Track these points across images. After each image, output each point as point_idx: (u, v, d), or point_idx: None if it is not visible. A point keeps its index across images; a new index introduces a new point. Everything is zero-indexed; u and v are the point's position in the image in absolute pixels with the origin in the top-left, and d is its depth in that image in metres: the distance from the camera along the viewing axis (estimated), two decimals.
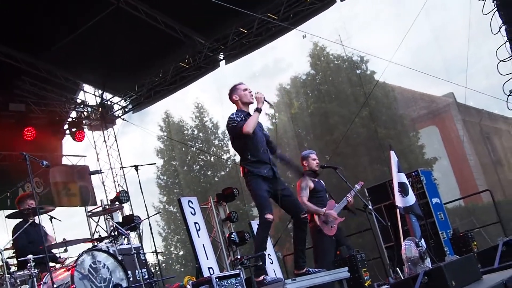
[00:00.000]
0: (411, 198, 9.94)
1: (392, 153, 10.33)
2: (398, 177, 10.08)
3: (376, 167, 27.53)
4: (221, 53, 16.10)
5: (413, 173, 11.80)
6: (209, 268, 12.15)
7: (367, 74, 31.26)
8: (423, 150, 31.10)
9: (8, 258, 8.66)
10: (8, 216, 9.17)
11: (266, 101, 7.90)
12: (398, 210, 9.87)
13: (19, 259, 8.69)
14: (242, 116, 7.74)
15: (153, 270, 12.79)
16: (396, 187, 9.98)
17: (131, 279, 8.55)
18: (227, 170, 35.47)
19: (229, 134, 7.94)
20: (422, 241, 8.85)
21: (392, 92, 32.63)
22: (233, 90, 8.01)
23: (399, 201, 9.87)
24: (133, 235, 12.71)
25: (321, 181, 9.83)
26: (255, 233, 13.02)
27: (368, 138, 28.74)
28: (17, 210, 9.08)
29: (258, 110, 7.73)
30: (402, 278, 8.36)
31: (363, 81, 29.50)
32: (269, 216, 7.43)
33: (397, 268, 8.98)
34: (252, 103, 7.93)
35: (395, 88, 33.62)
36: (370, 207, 9.61)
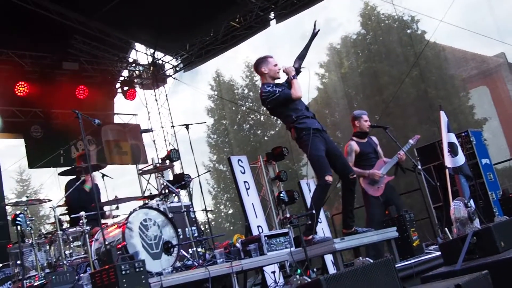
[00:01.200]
0: (461, 159, 9.80)
1: (442, 113, 10.17)
2: (448, 137, 9.94)
3: (425, 127, 27.28)
4: (272, 12, 15.96)
5: (463, 134, 11.54)
6: (258, 226, 12.23)
7: (418, 34, 30.87)
8: (473, 110, 30.71)
9: (61, 215, 8.84)
10: (61, 173, 9.32)
11: (298, 69, 7.97)
12: (447, 171, 9.76)
13: (71, 215, 8.87)
14: (274, 86, 7.77)
15: (202, 228, 12.94)
16: (445, 147, 9.85)
17: (181, 236, 8.66)
18: (277, 129, 35.50)
19: (268, 105, 7.87)
20: (471, 201, 8.74)
21: (442, 52, 32.19)
22: (262, 62, 7.97)
23: (448, 161, 9.75)
24: (183, 193, 12.86)
25: (372, 139, 9.76)
26: (304, 193, 13.20)
27: (417, 98, 28.47)
28: (70, 167, 9.24)
29: (294, 77, 7.79)
30: (451, 238, 8.31)
31: (413, 41, 29.15)
32: (329, 178, 7.41)
33: (446, 229, 8.90)
34: (279, 78, 7.94)
35: (446, 48, 33.13)
36: (419, 167, 9.56)
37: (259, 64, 7.98)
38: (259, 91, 8.02)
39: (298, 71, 7.98)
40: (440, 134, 10.17)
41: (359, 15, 32.56)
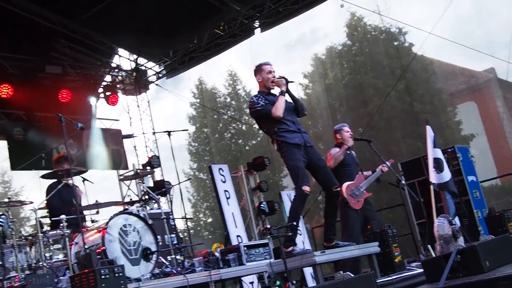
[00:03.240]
0: (446, 175, 9.80)
1: (428, 128, 10.17)
2: (434, 153, 9.94)
3: (410, 142, 27.37)
4: (257, 21, 15.98)
5: (449, 149, 11.52)
6: (237, 236, 12.23)
7: (405, 46, 30.94)
8: (460, 126, 30.78)
9: (41, 217, 8.78)
10: (43, 176, 9.28)
11: (288, 81, 7.93)
12: (432, 186, 9.78)
13: (52, 218, 8.82)
14: (263, 98, 7.80)
15: (181, 236, 12.89)
16: (431, 163, 9.84)
17: (160, 243, 8.61)
18: (258, 139, 35.52)
19: (253, 117, 8.01)
20: (456, 219, 8.79)
21: (430, 66, 32.26)
22: (257, 70, 8.03)
23: (433, 177, 9.75)
24: (163, 200, 12.82)
25: (353, 153, 9.79)
26: (284, 204, 13.20)
27: (403, 112, 28.53)
28: (52, 170, 9.20)
29: (282, 93, 7.79)
30: (434, 255, 8.32)
31: (400, 53, 29.20)
32: (306, 188, 7.41)
33: (429, 246, 8.92)
34: (272, 89, 7.95)
35: (434, 61, 33.22)
36: (403, 182, 9.56)
37: (255, 72, 8.04)
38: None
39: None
40: (425, 149, 10.18)
41: (345, 26, 32.66)
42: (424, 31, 15.18)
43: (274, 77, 7.91)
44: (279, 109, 7.66)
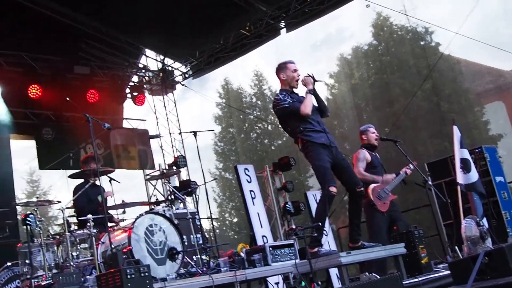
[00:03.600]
0: (474, 175, 9.74)
1: (455, 128, 10.11)
2: (461, 153, 9.88)
3: (436, 142, 27.13)
4: (282, 21, 15.95)
5: (477, 150, 11.39)
6: (263, 236, 12.23)
7: (432, 46, 30.66)
8: (488, 126, 30.40)
9: (69, 216, 8.86)
10: (71, 176, 9.37)
11: (316, 80, 7.91)
12: (459, 187, 9.71)
13: (79, 218, 8.89)
14: (288, 95, 7.78)
15: (207, 236, 12.93)
16: (458, 163, 9.79)
17: (186, 243, 8.65)
18: (284, 139, 35.43)
19: (278, 114, 7.93)
20: (484, 220, 8.71)
21: (457, 65, 31.92)
22: (281, 68, 7.99)
23: (460, 177, 9.69)
24: (189, 200, 12.85)
25: (378, 156, 9.76)
26: (310, 205, 13.18)
27: (429, 112, 28.28)
28: (79, 170, 9.29)
29: (310, 92, 7.78)
30: (461, 257, 8.26)
31: (427, 53, 28.94)
32: (333, 189, 7.40)
33: (456, 247, 8.85)
34: (296, 87, 7.96)
35: (460, 61, 32.88)
36: (429, 182, 9.49)
37: (278, 70, 8.00)
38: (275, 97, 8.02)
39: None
40: (452, 149, 10.11)
41: (371, 26, 32.47)
42: (451, 31, 15.03)
43: (299, 75, 7.92)
44: (308, 107, 7.66)
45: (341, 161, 7.81)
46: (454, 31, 14.83)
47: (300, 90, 7.95)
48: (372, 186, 9.19)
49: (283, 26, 16.12)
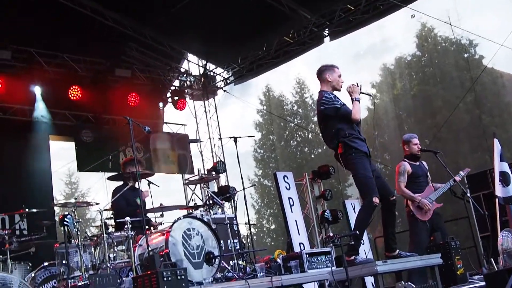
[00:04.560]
0: None
1: (496, 141, 10.05)
2: (500, 166, 9.82)
3: (477, 155, 26.87)
4: (326, 29, 15.85)
5: None
6: (300, 243, 12.20)
7: (475, 58, 30.41)
8: None
9: (107, 219, 8.92)
10: (110, 178, 9.44)
11: (363, 92, 7.85)
12: (497, 200, 9.61)
13: (117, 220, 8.95)
14: (336, 96, 7.71)
15: (244, 242, 12.92)
16: (497, 176, 9.72)
17: (223, 248, 8.65)
18: (324, 147, 35.32)
19: (325, 113, 7.73)
20: None
21: (500, 79, 31.61)
22: (328, 70, 7.89)
23: (499, 190, 9.62)
24: (227, 205, 12.85)
25: (423, 164, 9.64)
26: (348, 213, 13.11)
27: (471, 125, 28.03)
28: (118, 173, 9.34)
29: (357, 100, 7.68)
30: (496, 269, 8.16)
31: (470, 66, 28.67)
32: (376, 200, 7.33)
33: (492, 259, 8.75)
34: (340, 91, 7.87)
35: (504, 74, 32.55)
36: (468, 194, 9.40)
37: (324, 70, 7.90)
38: (318, 96, 7.92)
39: None
40: (492, 162, 10.02)
41: (416, 36, 32.33)
42: (496, 43, 14.82)
43: (343, 82, 7.86)
44: (358, 113, 7.63)
45: (376, 171, 7.75)
46: (499, 43, 14.59)
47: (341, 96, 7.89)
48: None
49: (327, 34, 16.02)
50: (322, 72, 7.91)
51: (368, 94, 8.12)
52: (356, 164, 7.53)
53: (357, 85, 7.80)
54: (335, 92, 7.81)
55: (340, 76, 7.87)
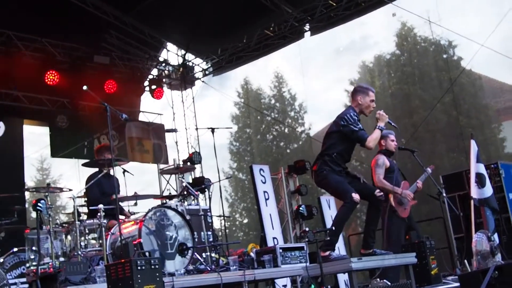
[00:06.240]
0: (488, 190, 9.72)
1: (473, 142, 10.09)
2: (477, 168, 9.86)
3: (453, 156, 27.01)
4: (307, 24, 15.88)
5: (492, 165, 11.39)
6: (273, 238, 12.19)
7: (454, 59, 30.52)
8: (504, 143, 30.28)
9: (79, 206, 8.80)
10: (84, 165, 9.30)
11: (390, 122, 7.88)
12: (472, 201, 9.65)
13: (90, 207, 8.83)
14: (358, 120, 7.70)
15: (217, 235, 12.87)
16: (473, 177, 9.76)
17: (196, 239, 8.59)
18: (300, 143, 35.36)
19: (339, 130, 7.73)
20: (495, 235, 8.65)
21: (478, 80, 31.75)
22: (363, 92, 7.93)
23: (474, 192, 9.66)
24: (201, 197, 12.79)
25: (394, 161, 9.64)
26: (323, 209, 13.11)
27: (447, 125, 28.14)
28: (94, 159, 9.22)
29: (380, 128, 7.71)
30: (470, 270, 8.19)
31: (449, 66, 28.84)
32: (356, 196, 7.32)
33: (465, 260, 8.78)
34: (366, 116, 7.99)
35: (482, 76, 32.73)
36: (444, 194, 9.41)
37: (359, 92, 7.93)
38: (345, 110, 7.93)
39: None
40: (468, 163, 10.06)
41: (395, 35, 32.38)
42: (476, 43, 14.93)
43: (373, 107, 7.91)
44: (374, 142, 7.62)
45: (351, 176, 7.75)
46: (480, 43, 14.70)
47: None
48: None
49: (307, 29, 16.03)
50: (356, 92, 7.96)
51: (394, 126, 8.14)
52: (327, 178, 7.61)
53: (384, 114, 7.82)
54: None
55: (372, 101, 7.88)
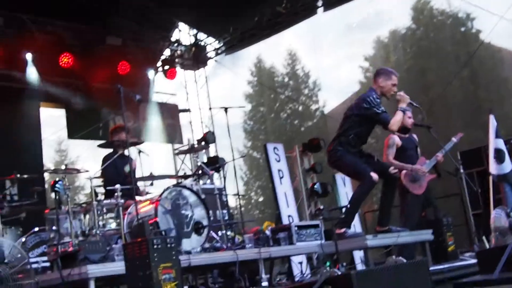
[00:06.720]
0: (507, 166, 9.62)
1: (492, 117, 9.98)
2: (495, 143, 9.76)
3: (470, 131, 26.75)
4: (320, 0, 15.77)
5: None
6: (289, 216, 12.19)
7: (472, 32, 30.13)
8: None
9: (96, 186, 8.88)
10: (100, 146, 9.43)
11: (412, 103, 7.82)
12: (491, 177, 9.59)
13: (107, 188, 8.91)
14: (380, 102, 7.65)
15: (232, 213, 12.92)
16: (491, 153, 9.67)
17: (211, 218, 8.65)
18: (314, 120, 35.33)
19: (362, 113, 7.68)
20: None
21: (498, 53, 31.28)
22: (385, 74, 7.87)
23: (493, 168, 9.58)
24: (216, 176, 12.82)
25: (413, 137, 9.53)
26: (338, 187, 13.10)
27: (465, 100, 27.85)
28: (108, 141, 9.29)
29: (402, 109, 7.63)
30: (488, 247, 8.18)
31: (467, 40, 28.43)
32: (375, 175, 7.32)
33: (483, 237, 8.75)
34: (388, 99, 7.85)
35: (502, 49, 32.32)
36: (461, 171, 9.35)
37: (381, 74, 7.86)
38: (366, 92, 7.89)
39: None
40: (486, 139, 9.97)
41: (411, 9, 32.04)
42: (496, 14, 14.73)
43: (395, 92, 7.81)
44: (397, 124, 7.55)
45: (365, 156, 7.76)
46: (500, 14, 14.50)
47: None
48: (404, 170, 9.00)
49: (320, 5, 15.86)
50: (379, 74, 7.88)
51: (417, 107, 8.05)
52: (342, 159, 7.62)
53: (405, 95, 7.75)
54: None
55: (394, 85, 7.80)
